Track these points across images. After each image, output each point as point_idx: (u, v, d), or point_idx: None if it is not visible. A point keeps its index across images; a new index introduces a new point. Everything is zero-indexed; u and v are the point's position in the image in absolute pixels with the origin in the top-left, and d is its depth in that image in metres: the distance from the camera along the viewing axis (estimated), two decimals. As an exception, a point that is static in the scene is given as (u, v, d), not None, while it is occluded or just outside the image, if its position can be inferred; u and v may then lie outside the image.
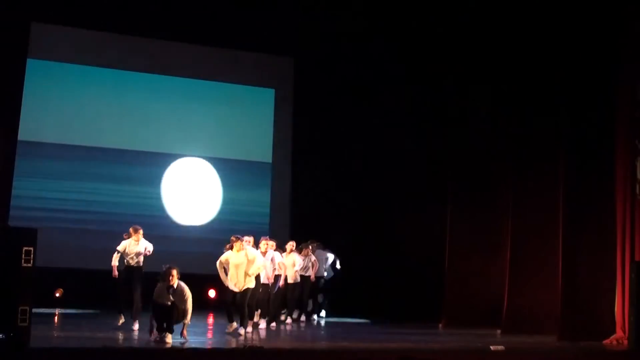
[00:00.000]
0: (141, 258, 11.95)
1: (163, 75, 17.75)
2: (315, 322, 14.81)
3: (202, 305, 14.13)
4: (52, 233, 14.87)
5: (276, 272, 13.15)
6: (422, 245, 15.51)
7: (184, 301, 10.49)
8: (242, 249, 11.88)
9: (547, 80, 13.09)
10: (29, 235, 9.48)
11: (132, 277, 11.89)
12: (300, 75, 18.48)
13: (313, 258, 14.45)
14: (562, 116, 12.67)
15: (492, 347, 10.70)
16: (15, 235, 9.66)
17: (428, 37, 15.74)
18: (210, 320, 14.35)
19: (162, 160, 17.64)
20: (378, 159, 17.69)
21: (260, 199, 18.20)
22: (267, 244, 12.74)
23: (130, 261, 11.91)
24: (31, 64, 16.38)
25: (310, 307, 15.00)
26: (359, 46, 17.73)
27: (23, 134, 16.22)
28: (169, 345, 10.07)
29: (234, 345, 10.56)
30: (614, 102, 12.32)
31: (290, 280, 13.79)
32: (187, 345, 10.23)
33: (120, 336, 11.08)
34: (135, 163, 17.36)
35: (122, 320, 11.87)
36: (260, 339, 11.54)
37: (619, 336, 11.76)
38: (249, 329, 12.05)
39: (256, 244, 12.60)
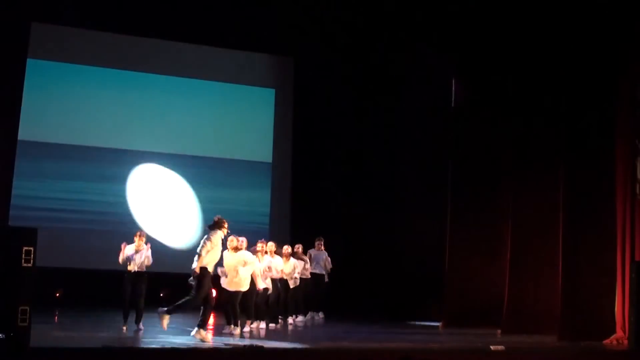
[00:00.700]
0: (144, 264, 11.80)
1: (163, 75, 17.76)
2: (316, 319, 14.82)
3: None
4: (52, 233, 14.89)
5: (274, 276, 13.01)
6: (422, 245, 15.50)
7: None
8: (241, 248, 11.83)
9: (547, 80, 13.07)
10: (29, 235, 9.46)
11: (137, 282, 11.74)
12: (300, 75, 18.48)
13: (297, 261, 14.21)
14: (562, 116, 12.65)
15: (492, 347, 10.69)
16: (15, 235, 9.64)
17: (428, 37, 15.73)
18: (210, 320, 14.30)
19: (162, 160, 17.64)
20: (378, 158, 17.69)
21: (260, 199, 18.22)
22: (265, 246, 12.67)
23: (135, 267, 11.73)
24: (31, 64, 16.39)
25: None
26: (358, 46, 17.74)
27: (23, 134, 16.24)
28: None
29: (233, 345, 10.55)
30: (614, 102, 12.31)
31: (291, 285, 13.73)
32: (187, 345, 10.22)
33: (120, 336, 11.07)
34: (135, 163, 17.37)
35: (125, 328, 11.68)
36: (260, 339, 11.53)
37: (619, 336, 11.74)
38: (246, 328, 12.05)
39: (256, 244, 12.55)
